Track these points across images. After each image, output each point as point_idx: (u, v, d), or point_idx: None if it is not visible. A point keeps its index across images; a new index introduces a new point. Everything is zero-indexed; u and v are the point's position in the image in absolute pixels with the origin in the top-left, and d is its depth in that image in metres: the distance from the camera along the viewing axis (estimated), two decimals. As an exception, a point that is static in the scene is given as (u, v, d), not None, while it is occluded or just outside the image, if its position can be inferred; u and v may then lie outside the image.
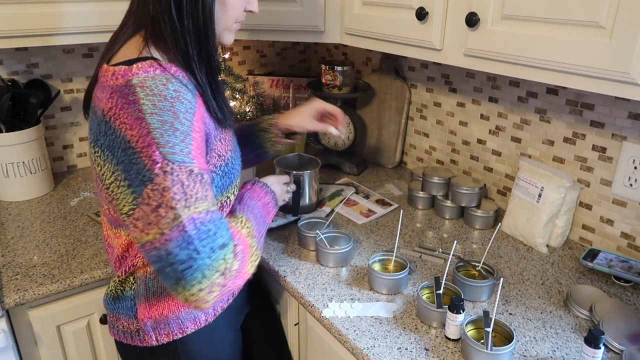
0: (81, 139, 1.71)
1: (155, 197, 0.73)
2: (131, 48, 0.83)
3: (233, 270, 0.77)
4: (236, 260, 0.78)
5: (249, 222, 0.89)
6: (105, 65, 0.82)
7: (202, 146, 0.80)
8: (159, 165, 0.72)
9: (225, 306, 1.01)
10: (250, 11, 0.92)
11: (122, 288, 0.93)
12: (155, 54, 0.84)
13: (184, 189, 0.73)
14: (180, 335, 0.94)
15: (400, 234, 1.31)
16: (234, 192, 0.95)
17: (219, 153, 0.89)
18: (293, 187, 1.20)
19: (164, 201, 0.72)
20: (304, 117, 1.17)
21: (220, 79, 0.90)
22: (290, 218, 1.34)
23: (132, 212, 0.75)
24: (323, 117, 1.20)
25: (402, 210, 1.24)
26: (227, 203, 0.94)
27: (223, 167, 0.90)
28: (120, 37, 0.87)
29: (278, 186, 1.09)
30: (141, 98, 0.74)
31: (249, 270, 0.83)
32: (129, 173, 0.75)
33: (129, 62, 0.78)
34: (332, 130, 1.18)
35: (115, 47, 0.86)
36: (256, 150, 1.19)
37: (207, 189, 0.77)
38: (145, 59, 0.79)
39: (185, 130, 0.75)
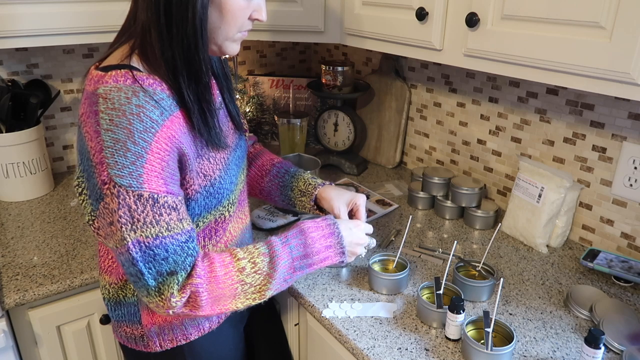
0: (81, 139, 1.71)
1: (107, 215, 0.75)
2: (116, 55, 0.81)
3: (179, 301, 0.76)
4: (182, 293, 0.76)
5: (263, 258, 0.84)
6: (92, 68, 0.81)
7: (167, 167, 0.76)
8: (106, 186, 0.73)
9: (229, 313, 1.01)
10: (257, 19, 0.85)
11: (123, 294, 0.92)
12: (137, 63, 0.79)
13: (131, 213, 0.73)
14: (184, 342, 0.94)
15: (402, 235, 1.31)
16: (228, 209, 0.92)
17: (204, 173, 0.85)
18: (373, 242, 1.03)
19: (113, 220, 0.74)
20: (342, 200, 1.05)
21: (211, 97, 0.84)
22: (291, 218, 1.35)
23: (92, 222, 0.79)
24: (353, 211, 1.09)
25: (410, 216, 1.21)
26: (221, 219, 0.92)
27: (208, 187, 0.86)
28: (116, 42, 0.85)
29: (353, 233, 0.96)
30: (102, 111, 0.73)
31: (219, 310, 0.81)
32: (89, 183, 0.77)
33: (107, 69, 0.77)
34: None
35: (109, 51, 0.84)
36: (287, 202, 1.14)
37: (161, 213, 0.75)
38: (122, 67, 0.76)
39: (138, 152, 0.72)
